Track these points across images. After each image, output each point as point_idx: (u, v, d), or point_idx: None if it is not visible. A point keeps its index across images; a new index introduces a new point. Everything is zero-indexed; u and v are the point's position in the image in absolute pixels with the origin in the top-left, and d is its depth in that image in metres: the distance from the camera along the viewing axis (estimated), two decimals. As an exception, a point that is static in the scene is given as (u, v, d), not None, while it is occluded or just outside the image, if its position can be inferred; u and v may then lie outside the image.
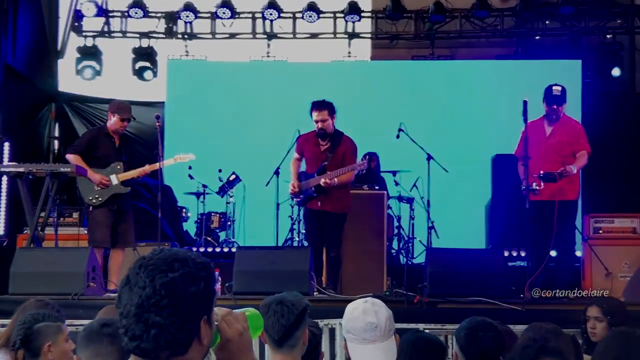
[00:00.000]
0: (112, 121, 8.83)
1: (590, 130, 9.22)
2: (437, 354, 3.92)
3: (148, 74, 14.04)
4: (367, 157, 9.30)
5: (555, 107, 8.65)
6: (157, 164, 8.99)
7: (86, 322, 4.31)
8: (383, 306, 3.64)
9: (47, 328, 4.06)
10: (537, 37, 14.29)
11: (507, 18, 13.67)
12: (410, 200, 11.96)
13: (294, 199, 9.01)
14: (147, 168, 9.00)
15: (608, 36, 13.55)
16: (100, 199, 8.70)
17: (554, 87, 8.68)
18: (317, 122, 8.77)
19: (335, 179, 8.60)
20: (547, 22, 13.73)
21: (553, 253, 8.70)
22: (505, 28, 13.75)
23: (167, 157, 9.49)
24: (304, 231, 10.06)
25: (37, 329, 4.03)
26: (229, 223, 12.68)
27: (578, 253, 9.66)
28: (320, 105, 8.79)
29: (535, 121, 8.77)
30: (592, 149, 8.79)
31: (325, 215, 8.78)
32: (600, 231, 9.58)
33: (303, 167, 9.07)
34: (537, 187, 8.34)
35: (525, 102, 8.33)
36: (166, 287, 2.01)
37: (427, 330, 5.95)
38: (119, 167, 8.83)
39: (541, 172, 8.40)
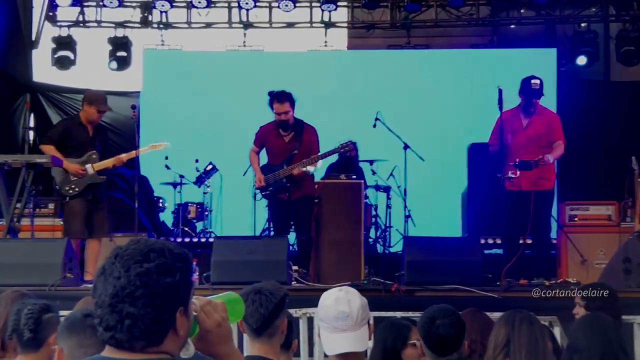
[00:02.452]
0: (89, 112, 8.78)
1: (565, 118, 9.28)
2: (399, 330, 3.98)
3: (123, 64, 13.96)
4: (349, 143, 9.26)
5: (534, 100, 8.68)
6: (133, 152, 8.96)
7: (63, 313, 4.28)
8: (357, 295, 3.64)
9: (53, 319, 4.03)
10: (513, 26, 14.35)
11: (483, 7, 13.70)
12: (387, 189, 11.99)
13: (262, 193, 9.00)
14: (123, 156, 8.96)
15: (583, 25, 13.61)
16: (76, 189, 8.66)
17: (532, 81, 8.66)
18: (279, 114, 8.78)
19: (310, 167, 8.66)
20: (522, 10, 13.78)
21: (529, 241, 8.77)
22: (480, 17, 13.78)
23: (143, 146, 9.45)
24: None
25: (47, 320, 3.99)
26: (206, 213, 12.67)
27: (554, 241, 9.73)
28: (281, 97, 8.79)
29: (510, 111, 8.80)
30: (567, 137, 8.85)
31: (294, 202, 8.82)
32: (576, 219, 9.66)
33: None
34: (513, 175, 8.39)
35: (500, 91, 8.36)
36: (141, 277, 2.00)
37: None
38: (94, 156, 8.79)
39: (517, 160, 8.45)
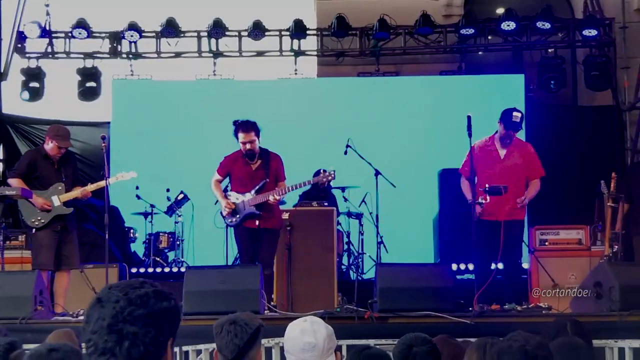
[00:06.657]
0: (50, 147, 8.73)
1: (533, 143, 9.35)
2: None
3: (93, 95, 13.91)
4: (325, 171, 9.21)
5: (512, 132, 8.74)
6: (99, 182, 8.88)
7: (35, 346, 4.24)
8: (322, 325, 3.64)
9: (19, 356, 3.98)
10: (480, 53, 14.48)
11: (451, 34, 13.82)
12: (359, 216, 12.01)
13: (229, 219, 8.89)
14: (89, 187, 8.87)
15: (550, 50, 13.77)
16: (42, 221, 8.58)
17: (514, 113, 8.71)
18: (244, 143, 8.73)
19: (282, 196, 8.66)
20: (489, 37, 13.92)
21: (500, 266, 8.81)
22: (448, 44, 13.91)
23: (112, 177, 9.40)
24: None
25: (15, 356, 3.95)
26: (178, 243, 12.60)
27: (525, 265, 9.78)
28: (246, 127, 8.72)
29: (486, 141, 8.84)
30: (536, 162, 8.93)
31: (261, 232, 8.76)
32: (547, 243, 9.72)
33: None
34: (483, 201, 8.43)
35: (469, 117, 8.40)
36: (141, 298, 2.08)
37: (377, 346, 5.97)
38: (60, 187, 8.72)
39: (487, 185, 8.49)
